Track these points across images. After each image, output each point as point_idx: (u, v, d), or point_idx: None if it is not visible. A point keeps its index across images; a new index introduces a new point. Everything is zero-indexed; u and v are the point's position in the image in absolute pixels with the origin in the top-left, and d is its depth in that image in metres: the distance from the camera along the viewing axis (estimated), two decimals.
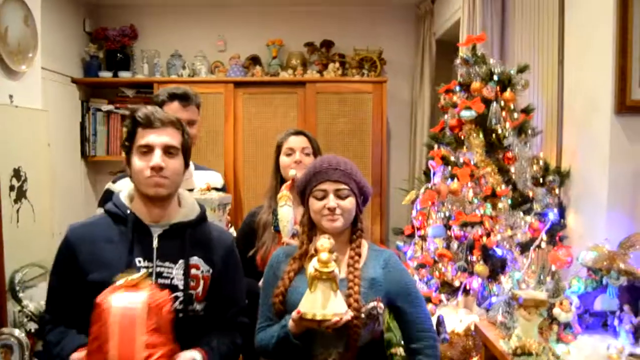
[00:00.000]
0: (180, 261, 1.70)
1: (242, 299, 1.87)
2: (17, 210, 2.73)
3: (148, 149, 1.67)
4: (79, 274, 1.65)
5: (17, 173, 2.73)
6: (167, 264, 1.69)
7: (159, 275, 1.67)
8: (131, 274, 1.54)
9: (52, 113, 3.35)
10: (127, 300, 1.50)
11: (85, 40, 4.37)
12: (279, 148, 2.42)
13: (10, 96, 2.73)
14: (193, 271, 1.71)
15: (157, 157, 1.65)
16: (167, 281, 1.67)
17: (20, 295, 2.66)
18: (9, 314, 2.61)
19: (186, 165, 1.77)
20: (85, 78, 4.28)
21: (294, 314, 1.61)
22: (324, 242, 1.62)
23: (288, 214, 2.09)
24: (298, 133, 2.42)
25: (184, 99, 2.29)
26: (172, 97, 2.28)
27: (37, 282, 2.83)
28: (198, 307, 1.72)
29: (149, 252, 1.68)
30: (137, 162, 1.67)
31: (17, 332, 2.50)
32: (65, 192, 3.95)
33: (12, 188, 2.69)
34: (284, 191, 2.14)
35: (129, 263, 1.65)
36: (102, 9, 4.47)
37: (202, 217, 1.80)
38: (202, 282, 1.72)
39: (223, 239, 1.85)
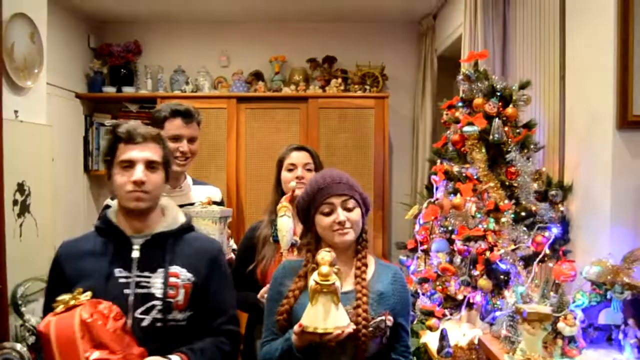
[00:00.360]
0: (160, 270, 1.72)
1: (231, 308, 1.87)
2: (21, 225, 2.74)
3: (130, 164, 1.71)
4: (66, 288, 1.69)
5: (21, 187, 2.74)
6: (145, 273, 1.72)
7: (138, 285, 1.70)
8: (67, 296, 1.60)
9: (56, 127, 3.37)
10: (61, 325, 1.55)
11: (90, 56, 4.41)
12: (280, 163, 2.42)
13: (16, 111, 2.75)
14: (172, 280, 1.73)
15: (139, 172, 1.70)
16: (146, 290, 1.70)
17: (23, 309, 2.65)
18: (11, 328, 2.60)
19: (166, 179, 1.81)
20: (89, 93, 4.32)
21: (296, 327, 1.62)
22: (324, 255, 1.63)
23: (287, 224, 2.09)
24: (300, 149, 2.42)
25: (187, 115, 2.32)
26: (175, 113, 2.31)
27: (39, 296, 2.82)
28: (179, 316, 1.73)
29: (128, 263, 1.72)
30: (119, 176, 1.72)
31: (18, 346, 2.49)
32: (68, 206, 3.96)
33: (15, 202, 2.70)
34: (284, 202, 2.15)
35: (109, 274, 1.70)
36: (106, 25, 4.53)
37: (185, 227, 1.83)
38: (182, 290, 1.73)
39: (208, 248, 1.86)
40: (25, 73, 2.85)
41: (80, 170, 4.23)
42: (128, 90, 4.34)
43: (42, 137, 3.02)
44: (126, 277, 1.70)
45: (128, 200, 1.71)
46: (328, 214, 1.76)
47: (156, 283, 1.71)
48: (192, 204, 2.30)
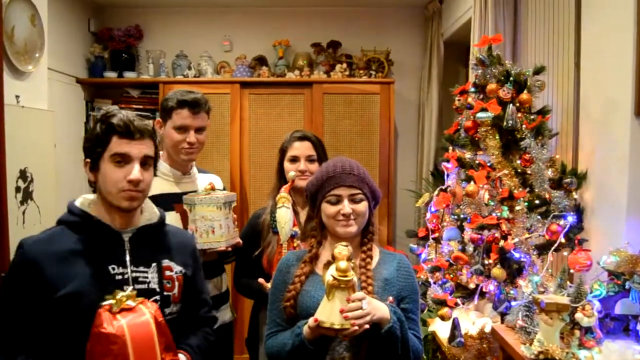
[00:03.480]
0: (153, 264, 1.66)
1: (208, 295, 1.90)
2: (24, 212, 2.70)
3: (124, 160, 1.59)
4: (44, 293, 1.52)
5: (23, 174, 2.70)
6: (141, 268, 1.64)
7: (135, 280, 1.61)
8: (118, 295, 1.50)
9: (57, 113, 3.32)
10: (138, 324, 1.47)
11: (90, 40, 4.33)
12: (282, 152, 2.38)
13: (17, 96, 2.70)
14: (167, 273, 1.68)
15: (137, 172, 1.59)
16: (145, 286, 1.62)
17: None
18: None
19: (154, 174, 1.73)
20: (90, 78, 4.25)
21: (311, 321, 1.58)
22: (342, 249, 1.59)
23: (286, 215, 2.07)
24: (303, 138, 2.37)
25: (195, 106, 2.25)
26: (182, 104, 2.24)
27: None
28: (175, 308, 1.69)
29: (121, 257, 1.62)
30: (111, 172, 1.59)
31: None
32: (69, 192, 3.89)
33: (18, 189, 2.65)
34: (282, 193, 2.12)
35: (102, 271, 1.58)
36: (107, 9, 4.44)
37: (163, 221, 1.77)
38: (177, 283, 1.69)
39: (188, 239, 1.85)
40: (26, 57, 2.79)
41: (82, 156, 4.16)
42: (129, 76, 4.27)
43: (44, 122, 2.97)
44: (122, 274, 1.60)
45: (121, 199, 1.60)
46: (334, 204, 1.75)
47: (153, 277, 1.65)
48: (195, 192, 2.27)
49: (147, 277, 1.63)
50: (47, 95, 3.05)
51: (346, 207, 1.73)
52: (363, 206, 1.76)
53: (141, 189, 1.61)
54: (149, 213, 1.74)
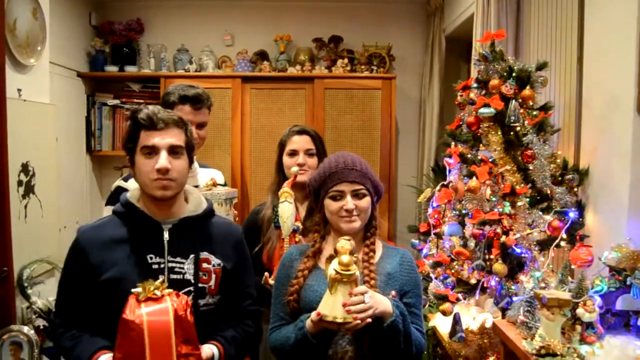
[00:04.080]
0: (191, 256, 1.70)
1: (253, 289, 1.90)
2: (25, 206, 2.70)
3: (153, 151, 1.66)
4: (91, 276, 1.65)
5: (25, 168, 2.70)
6: (178, 259, 1.69)
7: (171, 270, 1.67)
8: (148, 284, 1.53)
9: (58, 107, 3.31)
10: (156, 315, 1.49)
11: (91, 34, 4.32)
12: (282, 146, 2.39)
13: (19, 90, 2.70)
14: (204, 265, 1.71)
15: (163, 160, 1.64)
16: (180, 276, 1.67)
17: (29, 291, 2.63)
18: (17, 310, 2.58)
19: (190, 163, 1.76)
20: (91, 72, 4.24)
21: (314, 315, 1.59)
22: (344, 243, 1.60)
23: (288, 209, 2.08)
24: (301, 132, 2.39)
25: (196, 102, 2.25)
26: (184, 99, 2.24)
27: (45, 278, 2.80)
28: (211, 300, 1.73)
29: (159, 247, 1.68)
30: (143, 164, 1.66)
31: (26, 329, 2.48)
32: (70, 187, 3.90)
33: (20, 183, 2.66)
34: (285, 187, 2.13)
35: (140, 260, 1.65)
36: (108, 3, 4.42)
37: (209, 212, 1.81)
38: (214, 275, 1.73)
39: (232, 232, 1.87)
40: (28, 50, 2.79)
41: (83, 150, 4.17)
42: (131, 70, 4.26)
43: (46, 116, 2.97)
44: (159, 263, 1.66)
45: (154, 188, 1.66)
46: (337, 199, 1.75)
47: (189, 269, 1.69)
48: (196, 187, 2.27)
49: (182, 268, 1.68)
50: (49, 89, 3.04)
51: (349, 203, 1.74)
52: (366, 202, 1.77)
53: (172, 177, 1.66)
54: (195, 205, 1.78)
